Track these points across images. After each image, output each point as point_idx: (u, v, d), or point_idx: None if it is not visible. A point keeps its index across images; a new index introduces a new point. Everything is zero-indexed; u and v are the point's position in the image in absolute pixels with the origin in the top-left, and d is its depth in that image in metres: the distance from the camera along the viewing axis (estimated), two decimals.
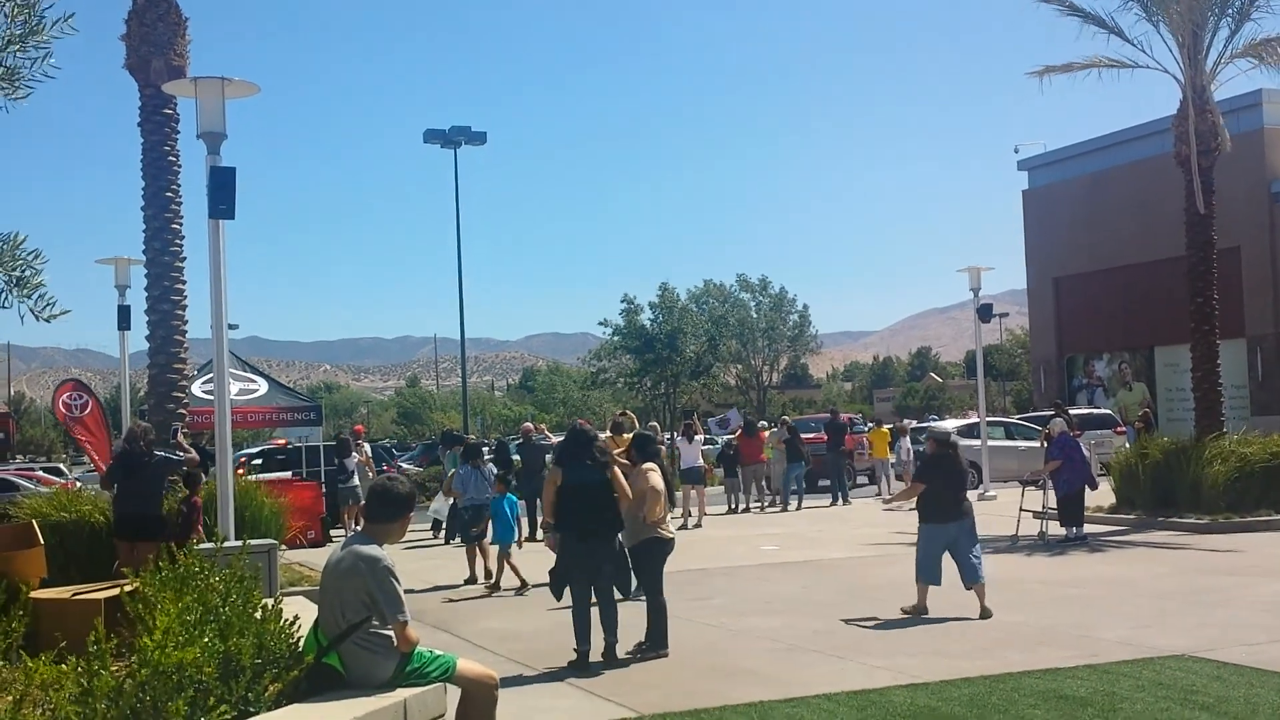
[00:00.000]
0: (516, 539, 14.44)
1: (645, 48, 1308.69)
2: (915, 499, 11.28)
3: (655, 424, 30.14)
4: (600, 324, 70.35)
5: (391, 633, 5.62)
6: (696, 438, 23.26)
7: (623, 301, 69.04)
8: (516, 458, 21.25)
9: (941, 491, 10.96)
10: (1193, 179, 19.85)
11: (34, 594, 7.49)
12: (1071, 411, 28.71)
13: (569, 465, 9.35)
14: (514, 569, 13.73)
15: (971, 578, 10.79)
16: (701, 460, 22.71)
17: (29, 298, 8.04)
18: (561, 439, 11.16)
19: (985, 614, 10.53)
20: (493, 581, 13.86)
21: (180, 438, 13.50)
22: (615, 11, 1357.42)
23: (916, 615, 10.75)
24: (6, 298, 8.05)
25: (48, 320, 8.16)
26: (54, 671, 5.10)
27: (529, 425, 23.01)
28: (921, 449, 27.36)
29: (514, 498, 14.86)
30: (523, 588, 13.47)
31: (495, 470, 15.48)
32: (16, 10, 8.18)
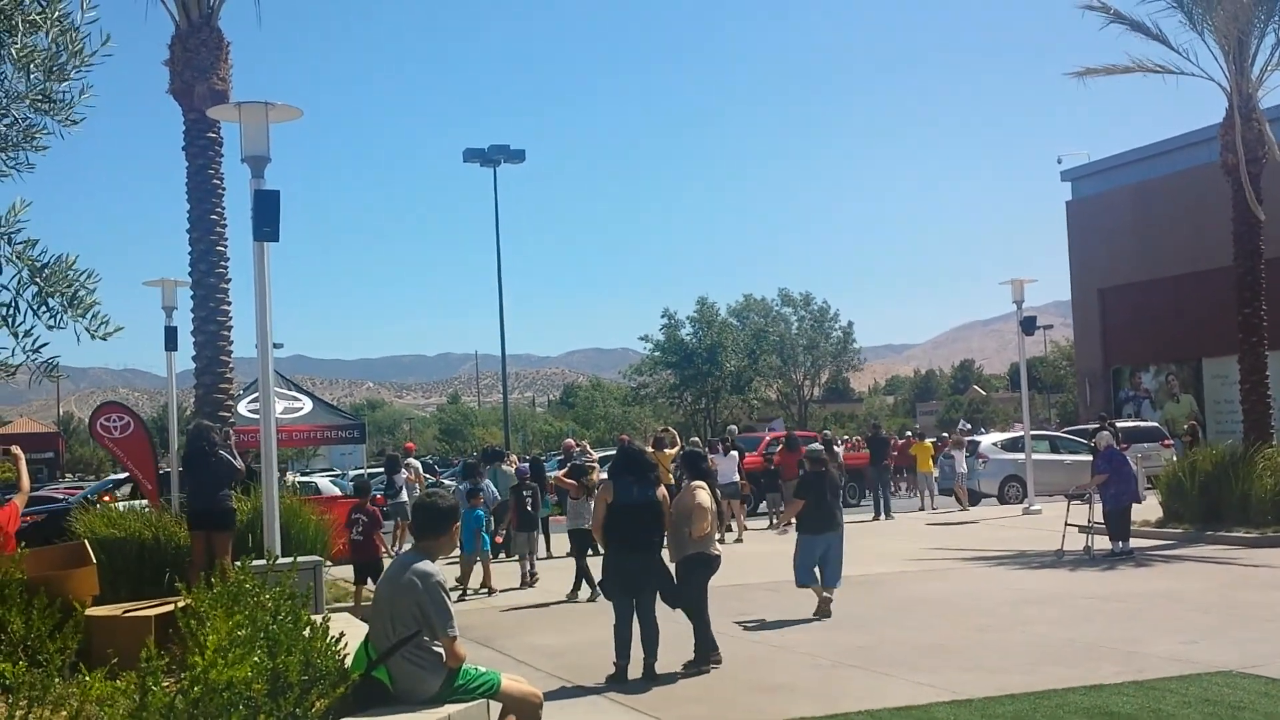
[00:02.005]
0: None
1: (682, 62, 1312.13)
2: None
3: (696, 439, 30.17)
4: (640, 339, 70.56)
5: (439, 648, 5.70)
6: (733, 452, 23.23)
7: (662, 316, 69.29)
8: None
9: (817, 505, 11.98)
10: (1240, 188, 19.67)
11: (86, 611, 7.62)
12: (1118, 425, 28.46)
13: (619, 482, 9.42)
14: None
15: (831, 582, 12.00)
16: (738, 475, 22.67)
17: (83, 317, 8.19)
18: (612, 456, 11.29)
19: (824, 614, 11.71)
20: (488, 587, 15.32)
21: (231, 440, 13.69)
22: (652, 26, 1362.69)
23: (821, 616, 11.69)
24: (61, 318, 8.20)
25: (104, 339, 8.31)
26: (108, 688, 5.19)
27: (570, 441, 23.05)
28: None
29: (481, 512, 15.85)
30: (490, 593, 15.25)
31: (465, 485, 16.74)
32: (57, 30, 8.35)
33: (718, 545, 10.00)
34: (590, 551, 14.63)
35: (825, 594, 11.90)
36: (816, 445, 14.57)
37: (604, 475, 16.30)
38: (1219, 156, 20.49)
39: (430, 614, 5.68)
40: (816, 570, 12.04)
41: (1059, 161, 45.58)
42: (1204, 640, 9.85)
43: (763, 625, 11.60)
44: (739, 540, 21.26)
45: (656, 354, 69.68)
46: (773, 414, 75.75)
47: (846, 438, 38.05)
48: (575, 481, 15.36)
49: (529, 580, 15.83)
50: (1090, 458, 19.85)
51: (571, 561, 14.94)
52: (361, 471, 29.01)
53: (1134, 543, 16.90)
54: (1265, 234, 20.16)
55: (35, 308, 8.07)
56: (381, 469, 21.98)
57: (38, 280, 7.98)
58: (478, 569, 15.54)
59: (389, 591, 5.84)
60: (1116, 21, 20.35)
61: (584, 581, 14.43)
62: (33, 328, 8.08)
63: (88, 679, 5.27)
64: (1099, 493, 16.82)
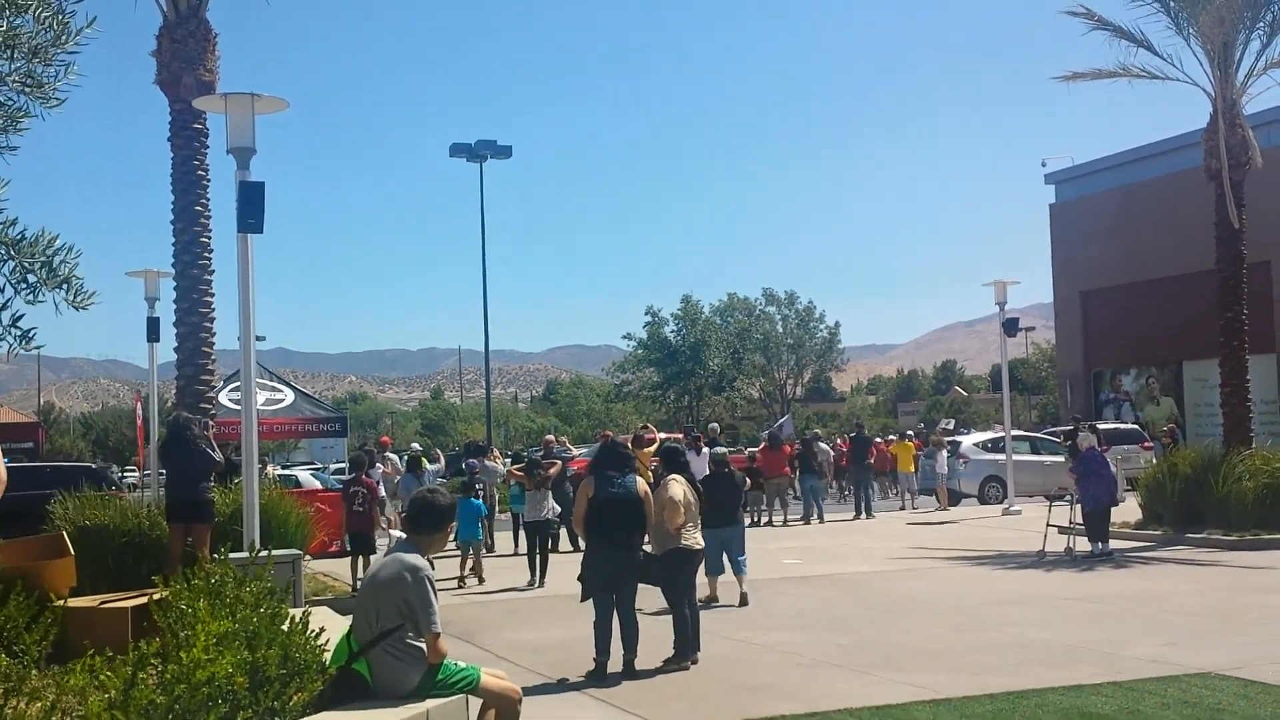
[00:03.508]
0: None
1: (669, 62, 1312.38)
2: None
3: (715, 424, 30.38)
4: (624, 337, 70.62)
5: (420, 643, 5.68)
6: (706, 450, 23.30)
7: (646, 314, 69.35)
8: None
9: (721, 502, 12.62)
10: (1223, 193, 19.75)
11: (64, 603, 7.57)
12: (1099, 426, 28.57)
13: (600, 477, 9.45)
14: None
15: (740, 571, 13.05)
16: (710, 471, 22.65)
17: (61, 288, 8.16)
18: (595, 452, 11.46)
19: (744, 601, 12.62)
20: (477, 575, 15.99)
21: (210, 432, 13.66)
22: (640, 25, 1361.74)
23: (709, 604, 12.26)
24: (40, 291, 8.17)
25: (84, 307, 8.29)
26: (85, 679, 5.16)
27: (550, 438, 23.09)
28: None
29: (480, 503, 17.03)
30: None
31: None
32: (43, 13, 8.31)
33: (699, 539, 10.01)
34: (550, 544, 15.88)
35: (742, 586, 12.90)
36: (721, 449, 15.49)
37: (557, 466, 17.82)
38: (1202, 161, 20.57)
39: (416, 608, 5.66)
40: (726, 562, 13.06)
41: (1043, 164, 45.81)
42: (1183, 642, 9.89)
43: (743, 624, 11.61)
44: None
45: (640, 351, 69.74)
46: (755, 412, 75.92)
47: (845, 436, 38.01)
48: (525, 475, 16.30)
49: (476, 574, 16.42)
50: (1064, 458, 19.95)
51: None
52: (343, 464, 29.00)
53: (1114, 544, 16.98)
54: (1247, 239, 20.26)
55: (15, 283, 8.04)
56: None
57: (15, 255, 7.95)
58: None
59: (376, 583, 5.82)
60: (1100, 28, 20.40)
61: (537, 569, 15.54)
62: (10, 300, 8.05)
63: (63, 671, 5.25)
64: (1078, 494, 16.90)
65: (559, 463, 18.39)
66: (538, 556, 15.58)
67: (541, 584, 15.36)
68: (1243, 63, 19.93)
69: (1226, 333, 19.99)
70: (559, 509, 16.82)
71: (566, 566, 14.66)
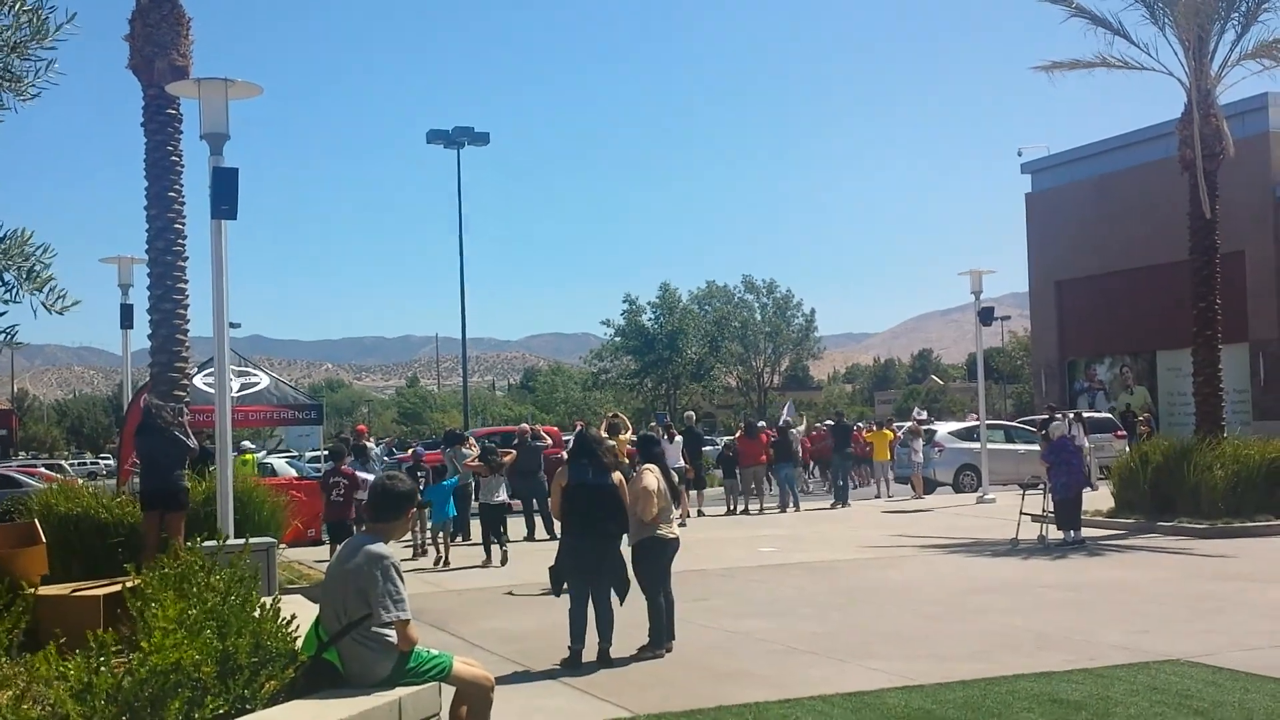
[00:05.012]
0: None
1: (648, 49, 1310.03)
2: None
3: (691, 413, 30.47)
4: (602, 324, 70.63)
5: (390, 632, 5.65)
6: (679, 438, 23.43)
7: (624, 301, 69.37)
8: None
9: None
10: (1197, 183, 19.85)
11: (35, 591, 7.54)
12: (1070, 415, 28.72)
13: (575, 465, 9.47)
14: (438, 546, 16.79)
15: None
16: (682, 460, 22.78)
17: (39, 291, 8.09)
18: (571, 440, 11.50)
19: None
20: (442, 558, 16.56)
21: (186, 419, 13.58)
22: (619, 12, 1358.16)
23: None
24: (17, 292, 8.10)
25: (61, 312, 8.22)
26: (55, 667, 5.14)
27: (525, 426, 23.12)
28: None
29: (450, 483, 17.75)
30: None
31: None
32: (21, 9, 8.22)
33: (674, 528, 10.02)
34: (503, 528, 16.55)
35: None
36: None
37: (512, 455, 18.40)
38: (1177, 151, 20.67)
39: (382, 596, 5.62)
40: None
41: (1019, 154, 45.84)
42: (1154, 629, 9.98)
43: (719, 611, 11.64)
44: (682, 525, 21.35)
45: (617, 339, 69.76)
46: (731, 400, 76.07)
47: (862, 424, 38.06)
48: (482, 463, 17.03)
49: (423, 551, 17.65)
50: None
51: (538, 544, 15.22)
52: (319, 452, 28.90)
53: (1086, 532, 17.11)
54: (1221, 229, 20.39)
55: None
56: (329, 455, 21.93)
57: None
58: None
59: (340, 573, 5.78)
60: (1078, 15, 20.45)
61: (490, 549, 16.36)
62: None
63: (34, 659, 5.23)
64: (1049, 482, 17.01)
65: (513, 451, 18.99)
66: (493, 539, 16.33)
67: (503, 563, 15.97)
68: (1217, 53, 20.04)
69: (1200, 322, 20.13)
70: (509, 494, 17.67)
71: (539, 555, 14.70)
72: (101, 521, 12.39)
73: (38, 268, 8.10)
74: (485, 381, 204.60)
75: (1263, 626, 10.01)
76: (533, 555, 16.09)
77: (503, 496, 16.77)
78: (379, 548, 5.77)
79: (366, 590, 5.63)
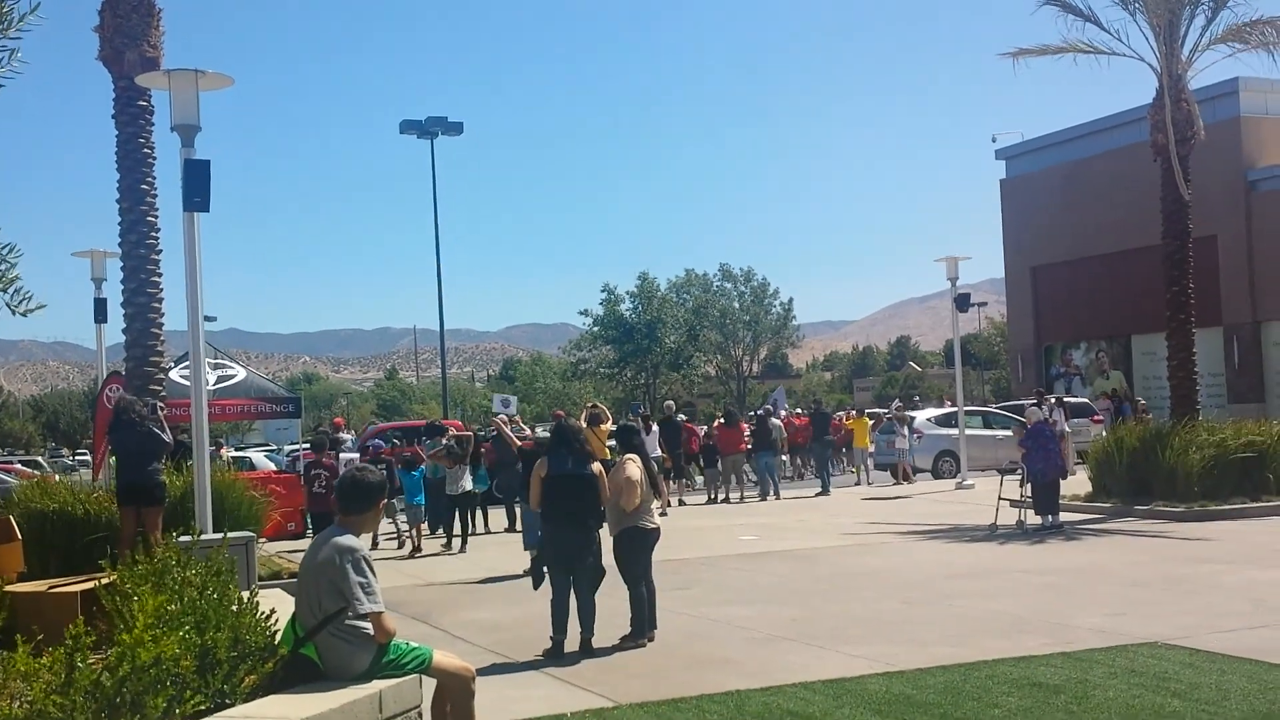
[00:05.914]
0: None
1: (624, 38, 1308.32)
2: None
3: (671, 403, 30.51)
4: (581, 314, 70.46)
5: (367, 625, 5.62)
6: (654, 428, 23.44)
7: (602, 291, 69.20)
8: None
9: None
10: (1170, 168, 19.95)
11: (10, 587, 7.48)
12: (1053, 400, 28.86)
13: (554, 456, 9.46)
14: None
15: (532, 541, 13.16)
16: (660, 450, 22.79)
17: (4, 291, 7.98)
18: (549, 431, 11.57)
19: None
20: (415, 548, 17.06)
21: (162, 413, 13.49)
22: (592, 2, 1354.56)
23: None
24: None
25: (24, 315, 8.12)
26: (32, 664, 5.09)
27: (503, 417, 23.08)
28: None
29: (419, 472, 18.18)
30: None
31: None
32: None
33: (655, 518, 10.02)
34: (470, 516, 17.74)
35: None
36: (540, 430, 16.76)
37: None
38: (1149, 136, 20.76)
39: (354, 589, 5.59)
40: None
41: (994, 140, 46.05)
42: (1131, 612, 10.05)
43: (700, 600, 11.66)
44: (663, 514, 21.34)
45: (596, 329, 69.63)
46: (711, 390, 76.10)
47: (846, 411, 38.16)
48: (445, 456, 17.77)
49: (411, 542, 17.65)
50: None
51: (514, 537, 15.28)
52: (297, 446, 28.82)
53: (1064, 517, 17.20)
54: (1194, 213, 20.50)
55: None
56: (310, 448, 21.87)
57: None
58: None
59: (312, 566, 5.74)
60: (1050, 3, 20.52)
61: (451, 536, 17.39)
62: None
63: (11, 656, 5.18)
64: (1027, 468, 17.09)
65: (487, 442, 19.85)
66: (456, 525, 17.35)
67: (463, 550, 16.97)
68: (1188, 38, 20.14)
69: (1173, 307, 20.24)
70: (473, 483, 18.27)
71: (515, 546, 14.70)
72: (78, 517, 12.32)
73: (2, 267, 7.99)
74: (464, 373, 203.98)
75: (1238, 608, 10.09)
76: (512, 544, 16.04)
77: (467, 485, 17.48)
78: (348, 540, 5.73)
79: (338, 583, 5.60)
